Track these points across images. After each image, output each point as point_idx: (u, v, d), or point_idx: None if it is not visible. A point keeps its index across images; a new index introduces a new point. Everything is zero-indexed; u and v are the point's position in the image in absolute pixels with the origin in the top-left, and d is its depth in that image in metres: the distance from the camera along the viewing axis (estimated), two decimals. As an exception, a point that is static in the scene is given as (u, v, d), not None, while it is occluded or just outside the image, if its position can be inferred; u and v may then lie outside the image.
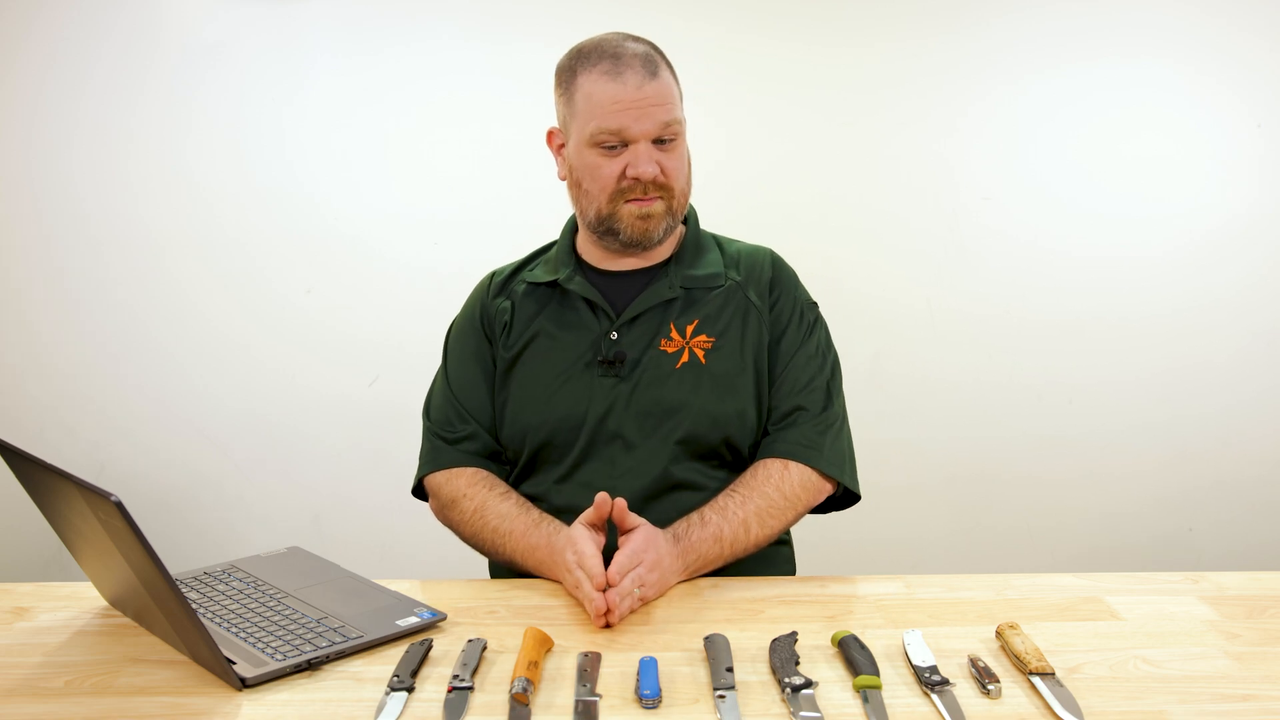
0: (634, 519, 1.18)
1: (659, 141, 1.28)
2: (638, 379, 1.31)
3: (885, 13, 2.50)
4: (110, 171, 2.51)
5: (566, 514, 1.26)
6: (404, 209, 2.53)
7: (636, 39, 1.31)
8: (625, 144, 1.27)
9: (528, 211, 2.50)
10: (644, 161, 1.27)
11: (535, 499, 1.34)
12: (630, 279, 1.38)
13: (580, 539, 1.16)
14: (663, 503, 1.28)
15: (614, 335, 1.33)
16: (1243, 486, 2.60)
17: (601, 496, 1.16)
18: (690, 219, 1.42)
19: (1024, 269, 2.55)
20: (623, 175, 1.28)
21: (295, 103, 2.51)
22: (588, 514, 1.18)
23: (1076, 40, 2.49)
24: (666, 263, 1.38)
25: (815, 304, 1.42)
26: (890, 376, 2.53)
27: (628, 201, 1.30)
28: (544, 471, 1.34)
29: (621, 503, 1.17)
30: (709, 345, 1.33)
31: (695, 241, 1.41)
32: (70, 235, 2.52)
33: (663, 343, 1.33)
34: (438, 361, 1.47)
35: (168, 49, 2.49)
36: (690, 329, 1.34)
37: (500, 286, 1.43)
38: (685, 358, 1.32)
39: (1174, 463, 2.60)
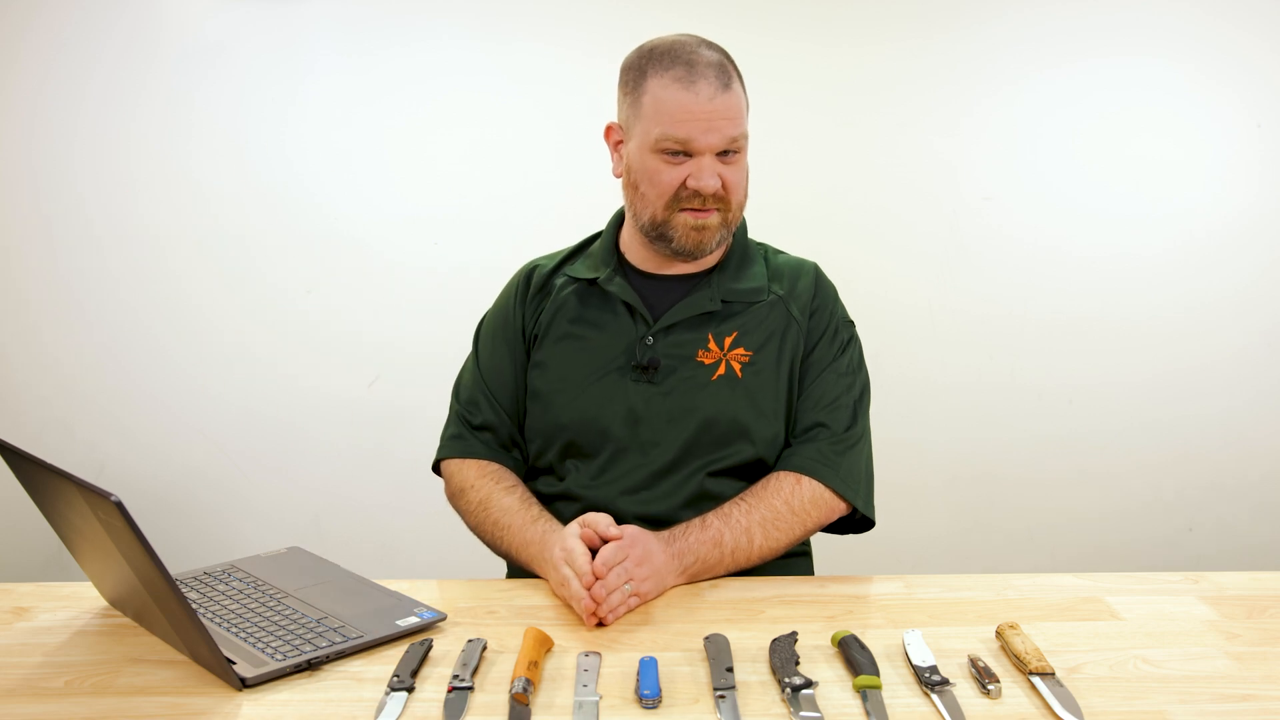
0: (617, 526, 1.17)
1: (722, 154, 1.26)
2: (672, 387, 1.30)
3: (885, 13, 2.50)
4: (111, 171, 2.51)
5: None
6: (404, 209, 2.53)
7: (711, 45, 1.28)
8: (689, 154, 1.25)
9: (527, 211, 2.50)
10: (707, 175, 1.24)
11: (565, 498, 1.33)
12: (672, 284, 1.36)
13: (569, 537, 1.16)
14: (692, 513, 1.27)
15: (649, 340, 1.32)
16: (1243, 486, 2.60)
17: (586, 535, 1.15)
18: (739, 228, 1.39)
19: (1024, 269, 2.55)
20: (683, 185, 1.26)
21: (296, 102, 2.51)
22: (583, 530, 1.17)
23: (1076, 40, 2.49)
24: (710, 272, 1.37)
25: (852, 322, 1.41)
26: (890, 377, 2.52)
27: (683, 210, 1.28)
28: (573, 473, 1.33)
29: (595, 530, 1.16)
30: (746, 359, 1.32)
31: (742, 253, 1.38)
32: (71, 235, 2.52)
33: (700, 353, 1.31)
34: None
35: (168, 49, 2.48)
36: (729, 341, 1.32)
37: (541, 284, 1.41)
38: (722, 370, 1.31)
39: (1174, 463, 2.60)
